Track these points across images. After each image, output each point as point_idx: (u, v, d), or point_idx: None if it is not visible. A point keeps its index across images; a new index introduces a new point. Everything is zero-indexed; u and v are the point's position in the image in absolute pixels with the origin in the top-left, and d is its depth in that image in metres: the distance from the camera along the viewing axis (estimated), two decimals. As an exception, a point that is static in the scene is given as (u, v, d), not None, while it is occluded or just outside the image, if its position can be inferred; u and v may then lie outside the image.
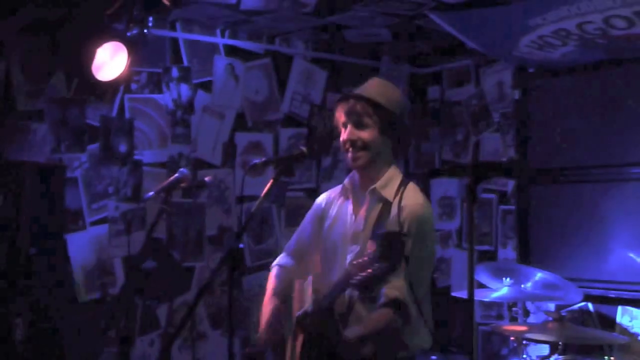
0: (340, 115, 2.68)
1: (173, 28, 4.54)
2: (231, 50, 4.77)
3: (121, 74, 4.01)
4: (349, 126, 2.64)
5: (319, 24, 4.59)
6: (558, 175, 4.64)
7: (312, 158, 5.02)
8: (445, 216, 5.12)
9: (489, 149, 5.02)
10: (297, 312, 2.62)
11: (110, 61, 3.97)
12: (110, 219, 4.27)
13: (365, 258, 2.28)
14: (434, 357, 4.25)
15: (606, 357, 3.75)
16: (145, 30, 4.05)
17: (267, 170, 4.50)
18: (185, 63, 4.59)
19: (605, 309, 4.32)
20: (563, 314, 3.66)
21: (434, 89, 5.46)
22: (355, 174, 2.73)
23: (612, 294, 4.28)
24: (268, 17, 4.43)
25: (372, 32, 4.78)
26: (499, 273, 3.99)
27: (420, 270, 2.54)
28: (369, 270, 2.25)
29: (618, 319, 4.24)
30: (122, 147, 4.34)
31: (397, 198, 2.57)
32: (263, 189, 2.54)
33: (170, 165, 4.47)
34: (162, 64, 4.50)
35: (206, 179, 3.45)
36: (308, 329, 2.55)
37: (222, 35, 4.73)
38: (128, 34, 4.01)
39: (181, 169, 3.42)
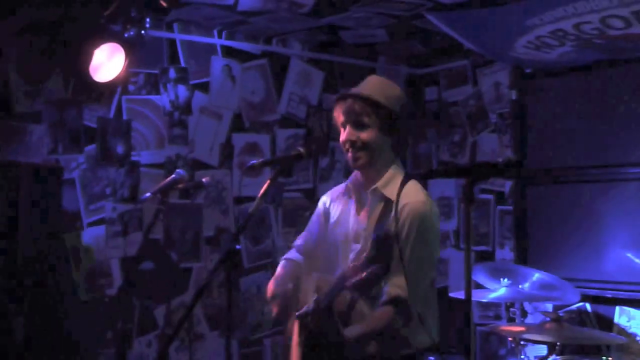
0: (339, 115, 2.67)
1: (170, 29, 4.53)
2: (228, 51, 4.77)
3: (118, 75, 4.01)
4: (348, 126, 2.64)
5: (316, 24, 4.59)
6: (555, 176, 4.65)
7: (309, 159, 5.01)
8: (442, 217, 5.12)
9: (486, 150, 5.03)
10: (299, 310, 2.62)
11: (107, 62, 3.98)
12: (108, 220, 4.26)
13: (360, 261, 2.29)
14: (431, 358, 4.25)
15: (604, 358, 3.76)
16: (143, 32, 4.05)
17: (265, 171, 4.53)
18: (183, 64, 4.58)
19: (602, 309, 4.33)
20: (561, 314, 3.66)
21: (431, 89, 5.46)
22: (357, 173, 2.73)
23: (610, 294, 4.28)
24: (265, 18, 4.43)
25: (369, 33, 4.78)
26: (497, 273, 4.00)
27: (421, 268, 2.54)
28: (363, 274, 2.27)
29: (616, 319, 4.24)
30: (120, 148, 4.33)
31: (398, 196, 2.57)
32: (260, 190, 2.54)
33: (168, 166, 4.47)
34: (159, 65, 4.50)
35: (203, 179, 3.44)
36: (308, 328, 2.55)
37: (219, 36, 4.73)
38: (125, 35, 4.01)
39: (178, 170, 3.42)
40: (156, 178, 4.37)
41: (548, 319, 3.60)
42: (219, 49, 4.73)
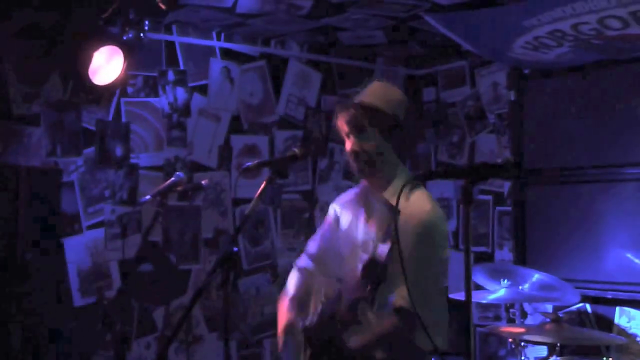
0: (342, 125, 2.64)
1: (169, 31, 4.53)
2: (227, 53, 4.77)
3: (117, 77, 4.01)
4: (351, 137, 2.62)
5: (314, 26, 4.59)
6: (554, 176, 4.65)
7: (304, 159, 5.01)
8: (441, 218, 5.11)
9: (485, 150, 5.03)
10: (304, 322, 2.62)
11: (106, 65, 3.97)
12: (107, 222, 4.26)
13: (355, 281, 2.30)
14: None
15: (604, 358, 3.76)
16: (141, 34, 4.05)
17: (262, 172, 4.52)
18: (181, 66, 4.58)
19: (602, 309, 4.33)
20: (560, 315, 3.66)
21: (429, 90, 5.46)
22: (365, 181, 2.72)
23: (610, 295, 4.28)
24: (263, 20, 4.43)
25: (367, 34, 4.78)
26: (496, 274, 3.99)
27: (427, 278, 2.51)
28: (368, 285, 2.28)
29: (616, 320, 4.24)
30: (118, 151, 4.33)
31: (405, 205, 2.53)
32: (257, 192, 2.54)
33: (167, 168, 4.47)
34: (158, 67, 4.50)
35: (202, 182, 3.44)
36: (313, 340, 2.55)
37: (218, 38, 4.73)
38: (124, 37, 4.01)
39: (177, 173, 3.42)
40: (155, 180, 4.37)
41: (548, 319, 3.60)
42: (217, 51, 4.73)
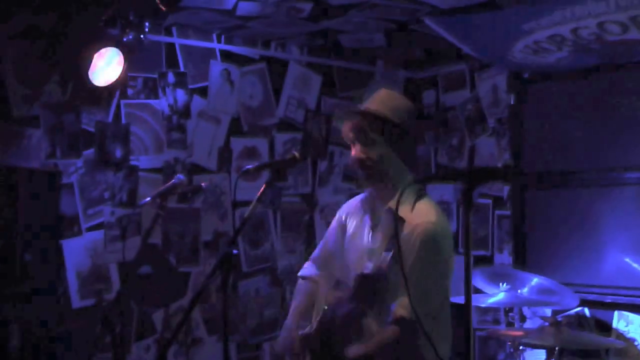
0: (347, 132, 2.64)
1: (169, 33, 4.53)
2: (227, 56, 4.77)
3: (117, 79, 4.01)
4: (357, 144, 2.61)
5: (314, 29, 4.60)
6: (553, 180, 4.65)
7: (304, 162, 5.01)
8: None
9: (485, 154, 5.03)
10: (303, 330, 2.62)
11: (106, 66, 3.97)
12: (106, 224, 4.26)
13: (345, 296, 2.31)
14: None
15: (602, 362, 3.75)
16: (141, 36, 4.05)
17: (262, 175, 4.52)
18: (181, 68, 4.58)
19: (601, 313, 4.32)
20: (559, 319, 3.66)
21: (429, 93, 5.46)
22: (371, 189, 2.71)
23: (608, 299, 4.28)
24: (263, 23, 4.43)
25: (368, 37, 4.79)
26: (495, 278, 3.99)
27: (430, 289, 2.51)
28: (346, 310, 2.29)
29: (614, 324, 4.24)
30: (118, 153, 4.33)
31: (410, 215, 2.54)
32: (257, 194, 2.54)
33: (166, 170, 4.47)
34: (158, 69, 4.50)
35: (202, 184, 3.45)
36: (311, 348, 2.55)
37: (218, 41, 4.73)
38: (124, 39, 4.01)
39: (178, 175, 3.42)
40: (155, 182, 4.37)
41: (547, 323, 3.60)
42: (217, 53, 4.74)
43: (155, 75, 4.49)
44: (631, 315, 4.19)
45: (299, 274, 2.94)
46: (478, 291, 4.09)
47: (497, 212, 4.91)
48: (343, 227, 2.81)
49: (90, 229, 4.21)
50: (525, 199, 4.80)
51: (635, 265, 4.18)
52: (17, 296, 3.93)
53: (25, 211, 3.98)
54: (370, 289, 2.46)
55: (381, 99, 2.65)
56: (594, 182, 4.44)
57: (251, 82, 4.87)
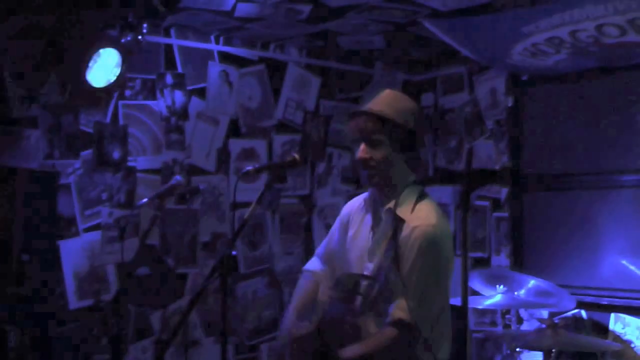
0: (352, 132, 2.63)
1: (167, 34, 4.54)
2: (225, 57, 4.77)
3: (115, 80, 4.02)
4: (362, 145, 2.60)
5: (313, 30, 4.60)
6: (551, 183, 4.66)
7: (304, 165, 5.02)
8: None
9: (483, 156, 5.03)
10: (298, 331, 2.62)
11: (104, 67, 3.98)
12: (104, 225, 4.26)
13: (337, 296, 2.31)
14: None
15: (599, 364, 3.75)
16: (140, 37, 4.06)
17: (261, 176, 4.52)
18: (180, 69, 4.59)
19: (598, 316, 4.33)
20: (556, 321, 3.66)
21: (427, 95, 5.47)
22: (374, 189, 2.71)
23: (605, 301, 4.28)
24: (262, 24, 4.43)
25: (366, 39, 4.79)
26: (493, 280, 4.00)
27: (428, 292, 2.50)
28: (337, 311, 2.29)
29: (611, 326, 4.25)
30: (116, 154, 4.33)
31: (410, 216, 2.54)
32: (257, 196, 2.54)
33: (164, 171, 4.47)
34: (156, 70, 4.50)
35: (200, 185, 3.45)
36: (306, 349, 2.55)
37: (217, 42, 4.74)
38: (122, 40, 4.02)
39: (176, 176, 3.42)
40: (153, 183, 4.37)
41: (544, 325, 3.60)
42: (216, 54, 4.74)
43: (154, 77, 4.49)
44: (628, 318, 4.19)
45: (304, 267, 2.94)
46: (475, 293, 4.09)
47: (494, 214, 4.92)
48: (345, 225, 2.81)
49: (87, 229, 4.21)
50: (523, 201, 4.80)
51: (632, 267, 4.19)
52: (14, 297, 3.93)
53: (23, 211, 3.98)
54: (356, 290, 2.47)
55: (386, 100, 2.65)
56: (592, 184, 4.44)
57: (250, 84, 4.87)
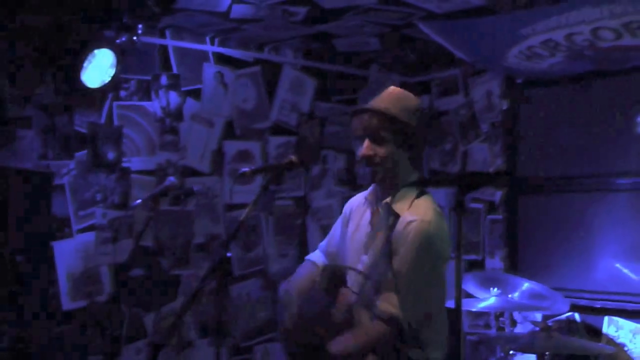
0: (356, 129, 2.64)
1: (163, 35, 4.53)
2: (220, 58, 4.77)
3: (110, 81, 4.01)
4: (365, 141, 2.61)
5: (309, 32, 4.60)
6: (546, 185, 4.66)
7: (301, 167, 5.01)
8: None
9: (478, 159, 5.03)
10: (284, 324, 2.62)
11: (99, 68, 3.97)
12: (98, 226, 4.25)
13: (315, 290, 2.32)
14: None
15: (592, 367, 3.76)
16: (135, 38, 4.05)
17: (256, 178, 4.52)
18: (175, 70, 4.58)
19: (591, 319, 4.33)
20: (550, 324, 3.67)
21: (422, 98, 5.46)
22: (376, 186, 2.71)
23: (599, 304, 4.29)
24: (258, 26, 4.43)
25: (362, 41, 4.79)
26: (487, 283, 4.00)
27: (418, 288, 2.50)
28: (319, 304, 2.30)
29: (604, 329, 4.25)
30: (110, 155, 4.32)
31: (406, 212, 2.54)
32: (251, 198, 2.54)
33: (159, 172, 4.46)
34: (151, 71, 4.49)
35: (194, 187, 3.44)
36: (292, 342, 2.55)
37: (212, 43, 4.73)
38: (117, 41, 4.01)
39: (170, 178, 3.42)
40: (147, 184, 4.36)
41: (537, 328, 3.61)
42: (211, 56, 4.73)
43: (149, 77, 4.49)
44: (621, 321, 4.20)
45: (306, 257, 2.94)
46: (469, 296, 4.10)
47: (489, 217, 4.92)
48: (347, 221, 2.83)
49: (81, 230, 4.20)
50: (517, 204, 4.81)
51: (625, 270, 4.19)
52: (7, 297, 3.92)
53: (16, 212, 3.97)
54: (338, 282, 2.47)
55: (390, 98, 2.66)
56: (586, 187, 4.45)
57: (245, 85, 4.87)
